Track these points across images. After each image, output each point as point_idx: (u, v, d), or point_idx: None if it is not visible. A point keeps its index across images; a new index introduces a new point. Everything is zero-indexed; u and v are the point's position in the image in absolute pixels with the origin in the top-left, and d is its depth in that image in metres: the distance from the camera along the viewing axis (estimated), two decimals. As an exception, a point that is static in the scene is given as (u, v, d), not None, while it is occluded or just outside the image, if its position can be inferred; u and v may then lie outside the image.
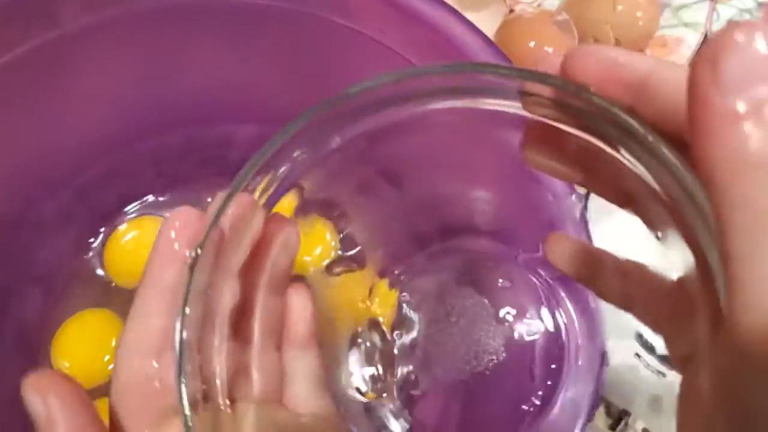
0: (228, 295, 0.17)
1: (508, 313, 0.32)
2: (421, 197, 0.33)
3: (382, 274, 0.34)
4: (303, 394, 0.20)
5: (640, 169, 0.15)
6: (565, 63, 0.15)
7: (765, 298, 0.10)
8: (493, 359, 0.31)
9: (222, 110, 0.35)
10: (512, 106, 0.17)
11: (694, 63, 0.12)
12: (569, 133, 0.17)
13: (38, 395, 0.17)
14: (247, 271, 0.18)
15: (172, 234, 0.18)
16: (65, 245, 0.36)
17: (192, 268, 0.16)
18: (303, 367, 0.20)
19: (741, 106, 0.11)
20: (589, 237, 0.26)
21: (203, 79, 0.33)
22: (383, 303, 0.33)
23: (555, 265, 0.21)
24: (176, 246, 0.18)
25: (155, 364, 0.18)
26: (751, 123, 0.11)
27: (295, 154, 0.18)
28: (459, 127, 0.20)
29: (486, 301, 0.32)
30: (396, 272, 0.34)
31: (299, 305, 0.21)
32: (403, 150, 0.27)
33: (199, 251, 0.16)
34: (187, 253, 0.17)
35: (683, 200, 0.14)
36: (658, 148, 0.14)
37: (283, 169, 0.18)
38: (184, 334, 0.16)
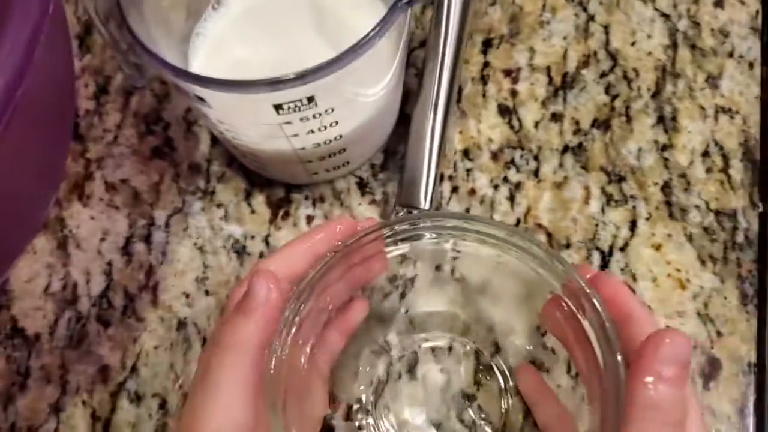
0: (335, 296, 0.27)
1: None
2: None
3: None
4: (324, 363, 0.29)
5: (596, 347, 0.23)
6: (595, 280, 0.24)
7: None
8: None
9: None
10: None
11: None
12: (571, 309, 0.25)
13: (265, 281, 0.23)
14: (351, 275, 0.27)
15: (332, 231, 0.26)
16: None
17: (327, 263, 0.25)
18: (334, 347, 0.29)
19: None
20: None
21: None
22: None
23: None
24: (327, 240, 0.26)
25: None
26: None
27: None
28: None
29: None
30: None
31: (360, 311, 0.30)
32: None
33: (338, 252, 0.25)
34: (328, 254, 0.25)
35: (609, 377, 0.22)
36: (616, 349, 0.22)
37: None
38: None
